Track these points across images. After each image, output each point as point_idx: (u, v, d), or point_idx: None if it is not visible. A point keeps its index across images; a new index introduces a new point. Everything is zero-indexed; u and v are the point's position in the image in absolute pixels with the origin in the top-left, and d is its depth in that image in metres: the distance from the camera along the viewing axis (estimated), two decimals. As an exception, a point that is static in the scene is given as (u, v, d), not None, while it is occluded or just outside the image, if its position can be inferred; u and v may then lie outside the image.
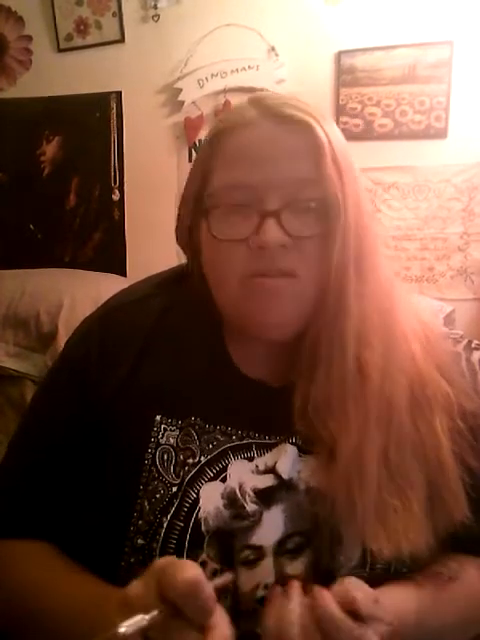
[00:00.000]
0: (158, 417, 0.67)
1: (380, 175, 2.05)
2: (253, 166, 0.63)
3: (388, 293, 0.68)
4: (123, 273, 2.30)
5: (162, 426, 0.67)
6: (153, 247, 1.97)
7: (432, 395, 0.66)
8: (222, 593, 0.52)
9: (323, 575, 0.62)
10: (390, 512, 0.62)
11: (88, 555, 0.66)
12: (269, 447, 0.67)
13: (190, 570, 0.47)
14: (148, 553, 0.62)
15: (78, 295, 1.94)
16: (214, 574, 0.62)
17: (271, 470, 0.66)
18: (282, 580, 0.61)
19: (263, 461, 0.66)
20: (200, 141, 2.15)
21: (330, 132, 0.64)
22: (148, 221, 2.24)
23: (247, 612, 0.63)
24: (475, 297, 2.01)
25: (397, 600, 0.62)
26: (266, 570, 0.62)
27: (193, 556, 0.62)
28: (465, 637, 0.70)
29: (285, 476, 0.65)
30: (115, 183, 2.36)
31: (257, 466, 0.66)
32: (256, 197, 0.62)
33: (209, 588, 0.47)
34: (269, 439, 0.67)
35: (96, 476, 0.67)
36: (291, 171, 0.62)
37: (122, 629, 0.44)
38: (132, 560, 0.63)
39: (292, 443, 0.67)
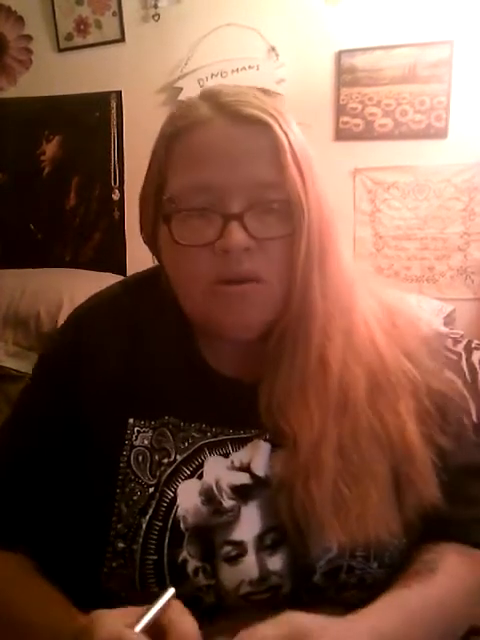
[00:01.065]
0: (131, 420, 0.67)
1: (380, 175, 2.05)
2: (213, 168, 0.62)
3: (349, 286, 0.68)
4: (123, 273, 2.30)
5: (135, 428, 0.67)
6: (153, 247, 1.97)
7: (396, 380, 0.67)
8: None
9: (303, 568, 0.63)
10: (344, 502, 0.62)
11: (71, 562, 0.66)
12: (244, 442, 0.67)
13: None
14: (129, 556, 0.62)
15: (78, 295, 1.94)
16: (196, 572, 0.62)
17: (246, 468, 0.66)
18: None
19: (239, 457, 0.66)
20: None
21: (289, 131, 0.63)
22: (148, 221, 2.23)
23: (232, 608, 0.63)
24: (475, 297, 2.01)
25: (381, 621, 0.59)
26: (249, 566, 0.63)
27: (173, 555, 0.62)
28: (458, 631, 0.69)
29: (260, 474, 0.65)
30: (115, 183, 2.35)
31: (233, 462, 0.66)
32: (217, 200, 0.62)
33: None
34: (244, 433, 0.68)
35: (75, 481, 0.67)
36: (252, 174, 0.62)
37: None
38: (114, 565, 0.63)
39: (266, 440, 0.67)
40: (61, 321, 2.10)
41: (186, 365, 0.70)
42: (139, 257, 0.75)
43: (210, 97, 0.66)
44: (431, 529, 0.68)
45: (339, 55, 2.03)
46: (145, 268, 0.78)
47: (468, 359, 0.73)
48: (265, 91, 0.68)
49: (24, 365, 1.90)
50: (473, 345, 0.74)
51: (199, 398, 0.69)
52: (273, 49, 2.08)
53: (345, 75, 2.03)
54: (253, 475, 0.66)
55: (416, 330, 0.73)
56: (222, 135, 0.63)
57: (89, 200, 2.43)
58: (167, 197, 0.64)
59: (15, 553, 0.68)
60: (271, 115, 0.63)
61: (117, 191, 2.35)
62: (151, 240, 0.71)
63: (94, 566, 0.64)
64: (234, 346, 0.70)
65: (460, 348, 0.73)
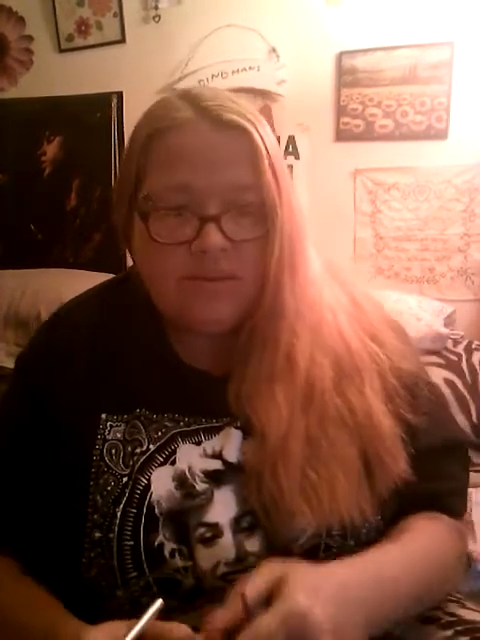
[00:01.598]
0: (104, 415, 0.70)
1: (381, 176, 2.05)
2: (192, 170, 0.64)
3: (317, 284, 0.71)
4: (123, 273, 2.30)
5: (108, 423, 0.69)
6: (154, 247, 1.97)
7: (361, 363, 0.70)
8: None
9: (280, 550, 0.64)
10: (313, 488, 0.64)
11: (51, 556, 0.67)
12: (216, 431, 0.69)
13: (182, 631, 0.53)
14: (106, 544, 0.64)
15: (78, 295, 1.94)
16: (172, 554, 0.64)
17: (219, 456, 0.68)
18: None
19: (211, 445, 0.68)
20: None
21: (265, 136, 0.66)
22: (149, 221, 2.23)
23: (210, 590, 0.64)
24: (475, 298, 2.01)
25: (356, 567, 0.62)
26: (225, 547, 0.64)
27: (150, 539, 0.64)
28: (440, 590, 0.71)
29: (232, 460, 0.68)
30: (116, 183, 2.36)
31: (205, 449, 0.68)
32: (195, 201, 0.64)
33: None
34: (216, 422, 0.70)
35: (50, 478, 0.69)
36: (231, 177, 0.64)
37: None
38: (92, 554, 0.65)
39: (237, 427, 0.69)
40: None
41: (157, 359, 0.72)
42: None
43: (191, 99, 0.67)
44: (408, 505, 0.70)
45: (340, 56, 2.03)
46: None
47: (468, 360, 0.74)
48: (241, 95, 0.70)
49: (24, 366, 1.90)
50: (473, 346, 0.75)
51: (170, 390, 0.71)
52: (274, 50, 2.08)
53: (346, 76, 2.04)
54: (225, 462, 0.68)
55: (381, 314, 0.77)
56: (203, 139, 0.64)
57: (90, 201, 2.44)
58: (144, 195, 0.66)
59: (2, 556, 0.70)
60: (250, 121, 0.65)
61: (117, 192, 2.36)
62: (124, 235, 0.73)
63: (73, 558, 0.65)
64: (205, 340, 0.72)
65: (460, 349, 0.74)
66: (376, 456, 0.67)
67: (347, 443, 0.67)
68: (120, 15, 2.26)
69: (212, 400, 0.70)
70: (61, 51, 2.38)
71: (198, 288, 0.65)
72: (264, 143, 0.65)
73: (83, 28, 2.33)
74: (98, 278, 0.85)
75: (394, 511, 0.70)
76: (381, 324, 0.75)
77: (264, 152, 0.65)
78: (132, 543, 0.64)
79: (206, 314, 0.67)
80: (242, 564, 0.64)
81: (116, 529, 0.64)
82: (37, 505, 0.69)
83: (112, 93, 2.32)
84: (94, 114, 2.36)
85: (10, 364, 0.80)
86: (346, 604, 0.57)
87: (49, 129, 2.46)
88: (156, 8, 2.20)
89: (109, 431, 0.69)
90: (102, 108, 2.34)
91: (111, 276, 0.82)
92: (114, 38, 2.29)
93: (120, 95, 2.31)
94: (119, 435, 0.69)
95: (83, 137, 2.40)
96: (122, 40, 2.28)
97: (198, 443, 0.68)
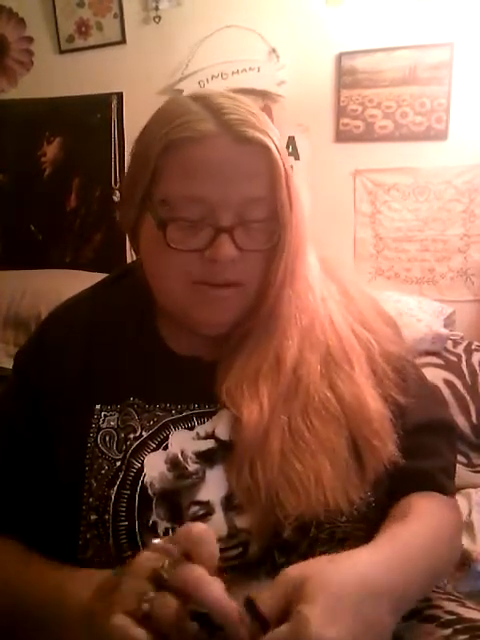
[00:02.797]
0: (97, 406, 0.72)
1: (381, 176, 2.06)
2: (211, 183, 0.66)
3: (313, 288, 0.74)
4: (124, 274, 2.31)
5: (102, 413, 0.72)
6: (154, 248, 1.97)
7: (350, 348, 0.72)
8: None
9: (272, 526, 0.65)
10: (299, 477, 0.65)
11: (48, 540, 0.69)
12: (209, 415, 0.71)
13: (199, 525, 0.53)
14: (102, 526, 0.66)
15: (78, 296, 1.94)
16: (166, 533, 0.65)
17: (211, 435, 0.70)
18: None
19: (203, 428, 0.70)
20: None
21: (282, 151, 0.69)
22: (149, 222, 2.24)
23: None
24: (475, 298, 2.01)
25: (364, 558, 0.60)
26: (217, 524, 0.65)
27: (144, 519, 0.65)
28: (441, 569, 0.71)
29: (225, 438, 0.69)
30: (116, 184, 2.36)
31: (198, 433, 0.70)
32: (210, 212, 0.66)
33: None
34: (209, 408, 0.72)
35: (46, 468, 0.71)
36: (247, 191, 0.66)
37: (156, 540, 0.52)
38: (88, 536, 0.66)
39: (228, 408, 0.71)
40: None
41: (149, 352, 0.75)
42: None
43: (213, 110, 0.67)
44: (399, 483, 0.72)
45: (339, 57, 2.03)
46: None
47: (468, 360, 0.74)
48: (253, 100, 0.72)
49: (24, 366, 1.90)
50: (473, 347, 0.75)
51: (162, 381, 0.73)
52: (274, 51, 2.09)
53: (345, 77, 2.04)
54: (217, 439, 0.70)
55: (370, 301, 0.80)
56: (224, 153, 0.66)
57: (90, 201, 2.44)
58: (161, 198, 0.67)
59: (4, 538, 0.71)
60: (269, 137, 0.67)
61: (118, 192, 2.36)
62: (132, 234, 0.74)
63: (69, 540, 0.67)
64: (197, 334, 0.74)
65: (460, 350, 0.74)
66: (365, 439, 0.68)
67: (334, 433, 0.68)
68: (120, 16, 2.26)
69: (203, 386, 0.71)
70: (61, 52, 2.39)
71: (204, 294, 0.68)
72: (282, 158, 0.67)
73: (83, 29, 2.33)
74: (98, 278, 0.86)
75: (387, 489, 0.71)
76: (369, 311, 0.77)
77: (281, 169, 0.67)
78: (127, 523, 0.65)
79: (211, 318, 0.70)
80: (234, 540, 0.65)
81: (111, 510, 0.66)
82: (33, 494, 0.71)
83: (112, 94, 2.32)
84: (94, 115, 2.36)
85: (10, 365, 0.81)
86: (371, 597, 0.55)
87: (49, 130, 2.46)
88: (156, 9, 2.20)
89: (103, 420, 0.71)
90: (102, 109, 2.34)
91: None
92: (114, 39, 2.29)
93: (120, 96, 2.31)
94: (113, 423, 0.71)
95: (83, 138, 2.40)
96: (122, 41, 2.29)
97: (191, 428, 0.70)
